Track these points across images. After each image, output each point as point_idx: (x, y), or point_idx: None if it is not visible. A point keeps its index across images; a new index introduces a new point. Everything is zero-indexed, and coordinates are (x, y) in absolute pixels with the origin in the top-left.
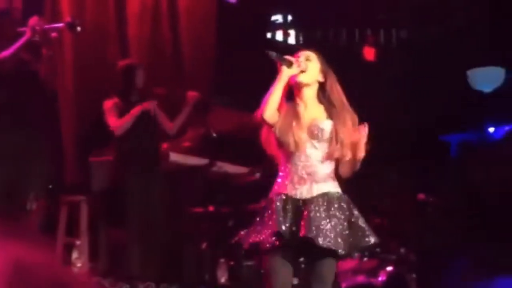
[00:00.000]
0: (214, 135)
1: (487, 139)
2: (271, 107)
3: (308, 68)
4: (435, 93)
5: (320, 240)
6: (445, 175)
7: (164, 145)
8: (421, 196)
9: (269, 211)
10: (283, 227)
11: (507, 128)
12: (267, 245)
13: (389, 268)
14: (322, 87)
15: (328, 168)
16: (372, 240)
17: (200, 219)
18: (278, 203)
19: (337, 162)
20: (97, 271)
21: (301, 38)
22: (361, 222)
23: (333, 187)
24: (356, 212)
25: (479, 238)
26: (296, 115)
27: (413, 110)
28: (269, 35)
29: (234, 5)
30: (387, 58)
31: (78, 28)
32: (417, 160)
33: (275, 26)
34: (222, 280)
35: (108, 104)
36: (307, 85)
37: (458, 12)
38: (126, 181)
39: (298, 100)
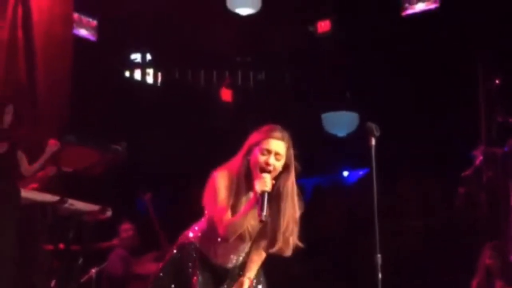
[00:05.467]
0: (67, 170)
1: (342, 183)
2: (237, 233)
3: (275, 169)
4: (290, 135)
5: None
6: (301, 217)
7: None
8: None
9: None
10: None
11: (361, 172)
12: None
13: None
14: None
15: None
16: None
17: (50, 256)
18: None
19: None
20: None
21: (159, 78)
22: None
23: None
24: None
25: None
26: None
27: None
28: (127, 73)
29: (93, 42)
30: (245, 99)
31: None
32: None
33: (133, 65)
34: None
35: None
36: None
37: (315, 58)
38: None
39: (247, 192)
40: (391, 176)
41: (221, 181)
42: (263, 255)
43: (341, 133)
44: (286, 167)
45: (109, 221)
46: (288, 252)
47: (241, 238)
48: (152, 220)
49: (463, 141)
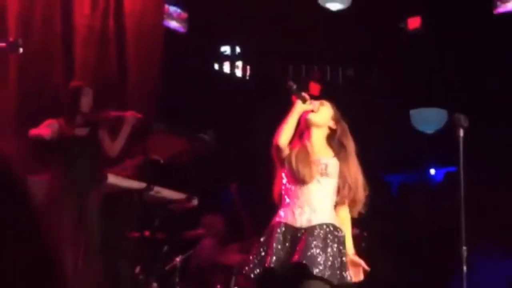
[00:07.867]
0: (161, 161)
1: (428, 180)
2: (286, 135)
3: (319, 111)
4: (377, 132)
5: (313, 269)
6: (385, 213)
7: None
8: (355, 230)
9: (270, 240)
10: (274, 259)
11: (447, 170)
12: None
13: None
14: (332, 133)
15: (328, 202)
16: (350, 278)
17: (136, 243)
18: (278, 233)
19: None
20: None
21: (248, 71)
22: (346, 259)
23: (331, 220)
24: (344, 248)
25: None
26: (306, 152)
27: (357, 148)
28: (216, 66)
29: (183, 34)
30: (333, 94)
31: (20, 49)
32: None
33: (223, 58)
34: None
35: (51, 120)
36: (317, 125)
37: (400, 53)
38: (62, 201)
39: (306, 141)
40: (480, 173)
41: None
42: (347, 211)
43: (429, 129)
44: (336, 125)
45: (196, 210)
46: (358, 207)
47: (303, 178)
48: (238, 210)
49: None
